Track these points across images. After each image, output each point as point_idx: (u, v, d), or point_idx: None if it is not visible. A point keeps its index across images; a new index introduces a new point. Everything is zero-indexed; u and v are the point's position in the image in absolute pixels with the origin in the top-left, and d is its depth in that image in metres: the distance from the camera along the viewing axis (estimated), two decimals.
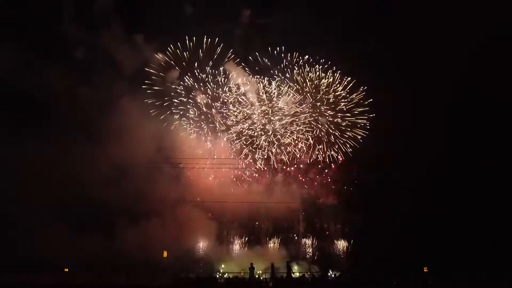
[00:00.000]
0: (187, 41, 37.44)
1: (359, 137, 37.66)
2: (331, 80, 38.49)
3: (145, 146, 35.64)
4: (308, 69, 38.63)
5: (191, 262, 34.83)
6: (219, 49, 37.43)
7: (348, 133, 38.00)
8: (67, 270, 28.40)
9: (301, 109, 38.51)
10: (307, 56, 38.69)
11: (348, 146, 37.77)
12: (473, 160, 33.41)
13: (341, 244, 35.88)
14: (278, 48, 38.31)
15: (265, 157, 38.04)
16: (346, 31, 37.74)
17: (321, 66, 38.58)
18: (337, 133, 37.95)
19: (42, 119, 34.54)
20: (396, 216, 32.96)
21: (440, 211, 32.63)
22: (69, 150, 33.24)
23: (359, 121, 38.02)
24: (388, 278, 25.68)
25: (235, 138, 38.16)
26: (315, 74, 38.59)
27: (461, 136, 34.45)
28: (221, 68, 37.95)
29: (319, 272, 27.36)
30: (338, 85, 38.58)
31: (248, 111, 38.42)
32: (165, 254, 30.75)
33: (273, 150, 38.09)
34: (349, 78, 38.40)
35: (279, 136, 38.16)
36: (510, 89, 32.74)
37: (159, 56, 37.49)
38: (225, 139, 38.10)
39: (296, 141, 38.11)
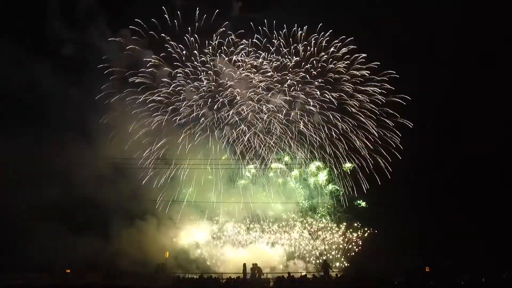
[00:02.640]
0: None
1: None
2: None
3: (138, 144, 35.03)
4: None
5: (191, 262, 34.83)
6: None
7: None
8: (69, 271, 28.17)
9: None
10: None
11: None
12: (475, 159, 33.56)
13: (341, 243, 35.95)
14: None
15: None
16: None
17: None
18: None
19: (32, 118, 34.05)
20: (398, 215, 33.20)
21: (442, 210, 32.82)
22: (65, 150, 32.87)
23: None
24: (389, 277, 25.75)
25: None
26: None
27: (464, 134, 34.46)
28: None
29: (321, 272, 27.27)
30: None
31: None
32: (166, 255, 30.75)
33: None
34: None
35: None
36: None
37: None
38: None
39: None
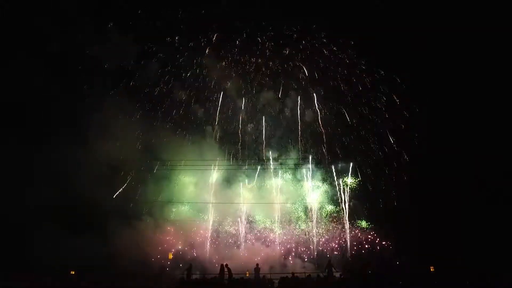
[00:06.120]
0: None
1: None
2: None
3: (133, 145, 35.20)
4: None
5: (192, 263, 34.72)
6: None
7: None
8: (73, 272, 28.10)
9: None
10: None
11: None
12: (477, 158, 33.53)
13: (344, 244, 35.87)
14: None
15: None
16: None
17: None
18: None
19: (32, 121, 33.99)
20: (401, 214, 33.18)
21: (446, 210, 32.84)
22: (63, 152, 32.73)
23: None
24: (393, 278, 25.71)
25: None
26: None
27: (467, 134, 34.17)
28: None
29: (325, 273, 27.24)
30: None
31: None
32: (170, 256, 30.72)
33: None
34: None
35: None
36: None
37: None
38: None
39: None
